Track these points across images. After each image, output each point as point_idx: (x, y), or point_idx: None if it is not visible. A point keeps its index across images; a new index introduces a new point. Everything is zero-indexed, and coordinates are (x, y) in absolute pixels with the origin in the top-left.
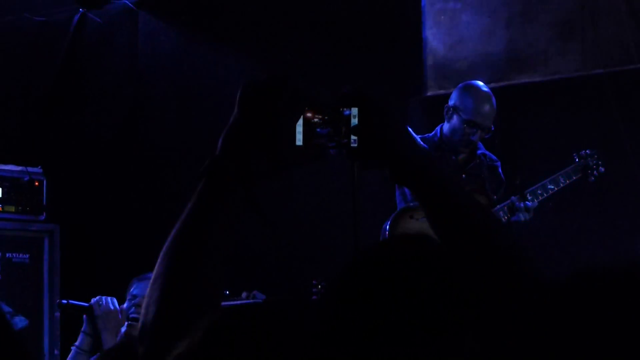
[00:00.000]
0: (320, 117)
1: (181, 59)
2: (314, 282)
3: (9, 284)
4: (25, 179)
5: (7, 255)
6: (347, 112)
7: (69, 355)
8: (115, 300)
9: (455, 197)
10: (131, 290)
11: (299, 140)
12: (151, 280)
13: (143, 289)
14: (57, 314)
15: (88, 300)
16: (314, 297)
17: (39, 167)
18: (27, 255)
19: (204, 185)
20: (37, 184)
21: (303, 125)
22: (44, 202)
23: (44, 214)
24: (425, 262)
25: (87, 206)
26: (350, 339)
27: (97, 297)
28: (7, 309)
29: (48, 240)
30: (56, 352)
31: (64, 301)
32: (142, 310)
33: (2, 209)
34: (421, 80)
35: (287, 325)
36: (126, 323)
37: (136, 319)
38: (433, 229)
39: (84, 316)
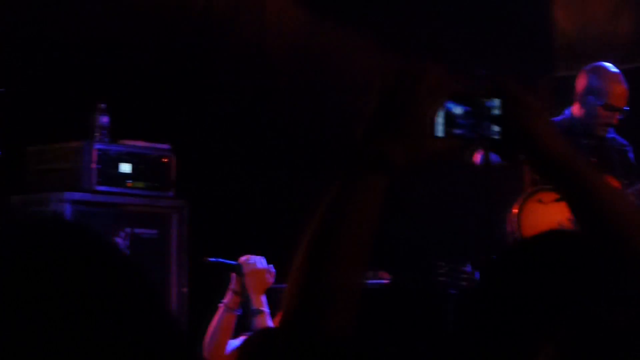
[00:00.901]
0: (461, 107)
1: (308, 39)
2: (439, 264)
3: (138, 259)
4: (154, 155)
5: (136, 231)
6: (490, 103)
7: (217, 313)
8: (263, 260)
9: (601, 192)
10: None
11: (439, 131)
12: (293, 269)
13: None
14: (185, 288)
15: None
16: (440, 278)
17: (168, 143)
18: (156, 231)
19: (342, 175)
20: (165, 160)
21: (444, 116)
22: (173, 179)
23: (173, 190)
24: (579, 258)
25: (216, 182)
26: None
27: (246, 256)
28: None
29: (176, 216)
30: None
31: (212, 259)
32: (285, 300)
33: (131, 184)
34: (550, 60)
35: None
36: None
37: None
38: (577, 223)
39: (232, 274)
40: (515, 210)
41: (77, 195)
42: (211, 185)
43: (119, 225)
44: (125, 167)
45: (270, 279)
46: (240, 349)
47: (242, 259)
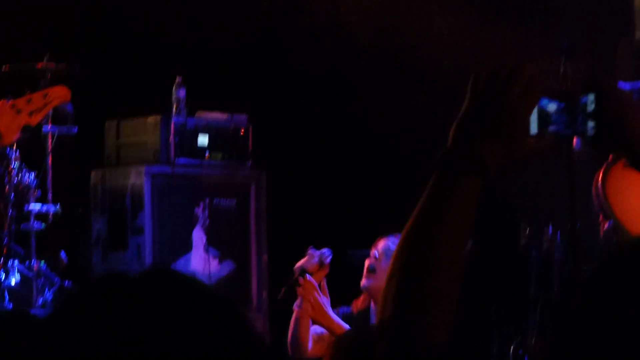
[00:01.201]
0: (555, 104)
1: (384, 8)
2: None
3: (217, 230)
4: (231, 126)
5: (215, 201)
6: (584, 99)
7: (293, 316)
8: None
9: None
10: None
11: (533, 129)
12: (387, 275)
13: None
14: (265, 256)
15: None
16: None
17: (245, 114)
18: (234, 201)
19: (437, 178)
20: (243, 131)
21: (537, 114)
22: (250, 149)
23: (250, 160)
24: None
25: (293, 152)
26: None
27: (308, 260)
28: (215, 253)
29: (254, 186)
30: (264, 294)
31: (282, 293)
32: (379, 307)
33: (209, 156)
34: (629, 22)
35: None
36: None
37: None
38: None
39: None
40: (600, 174)
41: (156, 169)
42: (288, 154)
43: (198, 197)
44: (203, 139)
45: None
46: (332, 348)
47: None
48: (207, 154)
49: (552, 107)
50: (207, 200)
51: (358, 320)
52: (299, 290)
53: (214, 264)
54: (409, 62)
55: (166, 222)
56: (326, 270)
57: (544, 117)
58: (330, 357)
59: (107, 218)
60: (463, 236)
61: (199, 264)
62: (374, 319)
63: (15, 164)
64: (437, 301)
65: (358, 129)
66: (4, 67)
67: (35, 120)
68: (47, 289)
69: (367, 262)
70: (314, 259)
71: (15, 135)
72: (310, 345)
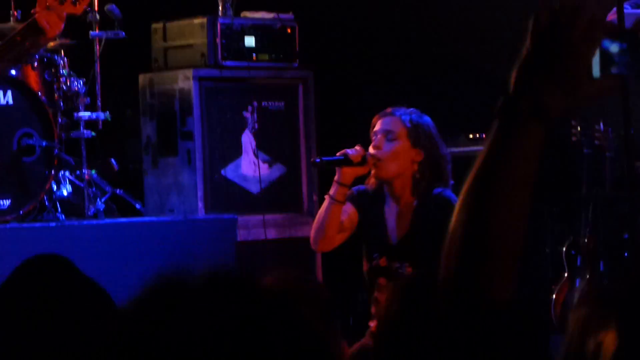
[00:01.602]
0: (617, 45)
1: None
2: (573, 123)
3: (266, 133)
4: (278, 26)
5: (263, 104)
6: None
7: (323, 204)
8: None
9: None
10: (375, 129)
11: (596, 71)
12: (449, 232)
13: (384, 124)
14: (318, 160)
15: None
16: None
17: (291, 13)
18: (282, 103)
19: (498, 126)
20: (289, 30)
21: (600, 55)
22: (297, 49)
23: (297, 60)
24: None
25: (340, 51)
26: None
27: (353, 149)
28: (265, 157)
29: (302, 87)
30: (314, 197)
31: (317, 159)
32: (442, 263)
33: (256, 57)
34: None
35: None
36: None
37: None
38: None
39: (337, 168)
40: None
41: (204, 72)
42: (335, 53)
43: (246, 100)
44: (250, 41)
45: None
46: (394, 290)
47: (349, 151)
48: (254, 56)
49: (614, 47)
50: (255, 104)
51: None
52: (338, 175)
53: (263, 168)
54: None
55: (215, 126)
56: (365, 170)
57: (606, 59)
58: (391, 299)
59: (156, 123)
60: (528, 186)
61: (248, 168)
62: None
63: (63, 71)
64: (503, 257)
65: (405, 25)
66: None
67: (80, 8)
68: (98, 198)
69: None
70: (360, 151)
71: (59, 27)
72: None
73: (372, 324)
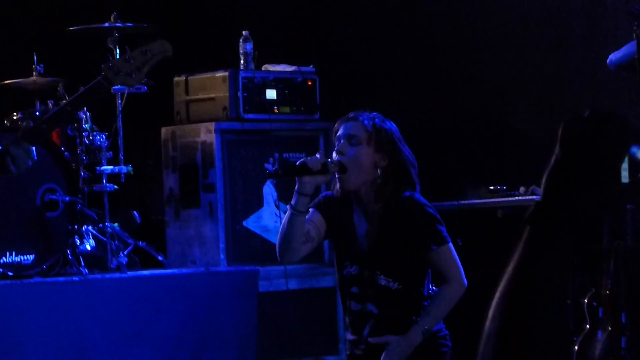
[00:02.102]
0: None
1: None
2: None
3: (287, 184)
4: (299, 79)
5: (285, 155)
6: None
7: (286, 215)
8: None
9: None
10: (338, 133)
11: (625, 177)
12: (484, 338)
13: (346, 129)
14: (273, 169)
15: None
16: None
17: (311, 66)
18: (304, 155)
19: (530, 234)
20: (310, 83)
21: (628, 161)
22: (318, 101)
23: (318, 112)
24: None
25: (361, 103)
26: None
27: (312, 157)
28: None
29: (323, 139)
30: None
31: (272, 169)
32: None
33: (277, 110)
34: None
35: None
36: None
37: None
38: None
39: (296, 178)
40: None
41: (225, 125)
42: (355, 106)
43: (267, 152)
44: (271, 94)
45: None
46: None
47: (305, 159)
48: (275, 108)
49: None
50: (277, 155)
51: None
52: (297, 186)
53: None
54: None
55: (237, 178)
56: (327, 178)
57: (634, 165)
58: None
59: (178, 175)
60: (559, 292)
61: (270, 219)
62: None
63: (86, 126)
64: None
65: (424, 79)
66: (69, 29)
67: (136, 80)
68: (121, 251)
69: (333, 156)
70: (319, 159)
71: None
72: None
73: (347, 335)
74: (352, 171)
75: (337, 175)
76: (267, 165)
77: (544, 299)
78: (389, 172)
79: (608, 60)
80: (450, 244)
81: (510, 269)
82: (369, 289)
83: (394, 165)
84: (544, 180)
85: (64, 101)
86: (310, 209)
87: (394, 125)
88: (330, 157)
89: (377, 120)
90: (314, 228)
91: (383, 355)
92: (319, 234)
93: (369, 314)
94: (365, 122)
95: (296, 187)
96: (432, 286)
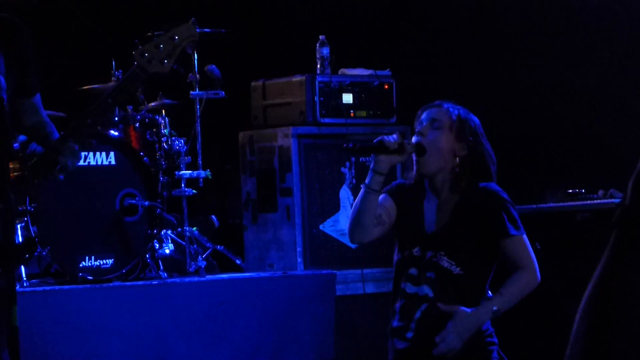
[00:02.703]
0: None
1: None
2: None
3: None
4: (375, 82)
5: (361, 159)
6: None
7: (359, 194)
8: (396, 134)
9: None
10: (421, 117)
11: None
12: (571, 341)
13: (430, 114)
14: (351, 144)
15: None
16: None
17: (388, 69)
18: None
19: (616, 237)
20: (386, 87)
21: None
22: (394, 105)
23: (395, 116)
24: None
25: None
26: None
27: (390, 136)
28: None
29: None
30: None
31: (351, 144)
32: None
33: (354, 114)
34: None
35: None
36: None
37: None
38: None
39: (372, 155)
40: None
41: (302, 129)
42: None
43: (344, 156)
44: (348, 98)
45: (403, 148)
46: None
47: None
48: (352, 112)
49: None
50: (353, 159)
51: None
52: (373, 164)
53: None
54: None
55: (313, 182)
56: (402, 159)
57: None
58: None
59: (256, 179)
60: None
61: (346, 223)
62: (429, 194)
63: (164, 131)
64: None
65: (502, 82)
66: (147, 34)
67: (168, 67)
68: (200, 255)
69: (414, 140)
70: (396, 138)
71: None
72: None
73: (394, 322)
74: (430, 154)
75: (414, 158)
76: (343, 169)
77: (633, 300)
78: (467, 162)
79: None
80: (526, 236)
81: (598, 271)
82: (429, 270)
83: (473, 156)
84: (630, 184)
85: (142, 106)
86: (383, 195)
87: (478, 120)
88: (409, 139)
89: (462, 111)
90: (386, 213)
91: (449, 324)
92: (390, 219)
93: (424, 298)
94: (450, 109)
95: (371, 166)
96: (489, 292)
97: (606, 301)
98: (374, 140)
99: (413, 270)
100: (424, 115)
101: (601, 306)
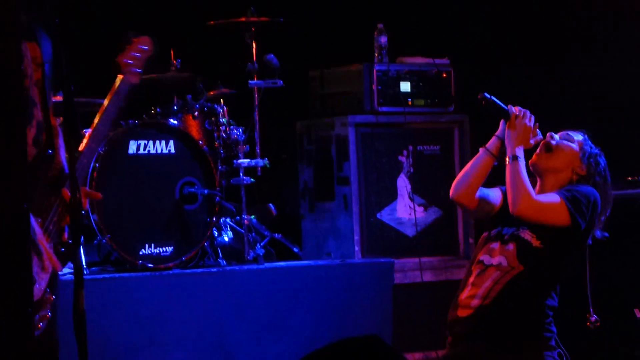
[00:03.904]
0: None
1: None
2: None
3: (422, 176)
4: (433, 71)
5: (419, 148)
6: None
7: (476, 156)
8: (533, 119)
9: None
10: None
11: None
12: None
13: (567, 132)
14: (487, 95)
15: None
16: None
17: (446, 58)
18: (438, 147)
19: None
20: (444, 75)
21: None
22: (453, 93)
23: (453, 105)
24: None
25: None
26: None
27: (520, 108)
28: (420, 200)
29: (458, 131)
30: (470, 240)
31: (488, 95)
32: None
33: (412, 102)
34: None
35: None
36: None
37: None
38: None
39: (501, 120)
40: None
41: (360, 118)
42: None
43: (401, 145)
44: (406, 86)
45: (531, 140)
46: None
47: (515, 108)
48: (409, 101)
49: None
50: (411, 148)
51: None
52: (500, 130)
53: (419, 211)
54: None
55: (371, 171)
56: (524, 141)
57: None
58: None
59: (313, 168)
60: None
61: (404, 212)
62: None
63: (223, 120)
64: None
65: (560, 65)
66: (206, 23)
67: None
68: (258, 243)
69: (542, 142)
70: (521, 111)
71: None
72: (477, 195)
73: (464, 294)
74: (554, 155)
75: (538, 151)
76: (400, 158)
77: None
78: (582, 181)
79: None
80: (567, 202)
81: None
82: (510, 242)
83: (588, 179)
84: None
85: (200, 96)
86: (498, 188)
87: (606, 163)
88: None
89: (594, 148)
90: (495, 198)
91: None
92: (494, 205)
93: (498, 266)
94: (585, 137)
95: (497, 132)
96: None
97: None
98: (507, 107)
99: (495, 245)
100: (559, 133)
101: None
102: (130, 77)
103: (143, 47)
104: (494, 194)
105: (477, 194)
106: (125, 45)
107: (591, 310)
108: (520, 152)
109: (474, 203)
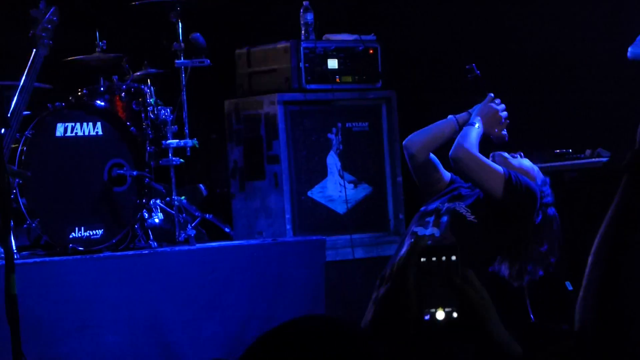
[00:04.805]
0: None
1: None
2: None
3: (351, 153)
4: (360, 47)
5: (347, 125)
6: None
7: (444, 120)
8: (506, 115)
9: None
10: None
11: None
12: (584, 284)
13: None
14: (400, 177)
15: None
16: None
17: (373, 34)
18: (366, 124)
19: (627, 181)
20: (371, 51)
21: None
22: (380, 70)
23: (380, 81)
24: None
25: (422, 70)
26: None
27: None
28: (350, 177)
29: (385, 107)
30: (401, 216)
31: (477, 70)
32: (577, 316)
33: (339, 80)
34: None
35: None
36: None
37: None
38: None
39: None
40: None
41: (288, 96)
42: (417, 73)
43: (330, 121)
44: (333, 63)
45: (495, 129)
46: None
47: (492, 95)
48: (337, 78)
49: None
50: (340, 125)
51: None
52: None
53: (349, 188)
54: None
55: (300, 149)
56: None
57: None
58: None
59: (242, 147)
60: None
61: (334, 189)
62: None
63: (150, 100)
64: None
65: (487, 42)
66: (131, 3)
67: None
68: (189, 224)
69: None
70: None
71: None
72: (430, 156)
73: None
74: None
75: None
76: (329, 135)
77: None
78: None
79: (629, 54)
80: (506, 174)
81: (608, 216)
82: (445, 215)
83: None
84: (638, 129)
85: (127, 76)
86: (451, 174)
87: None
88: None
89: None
90: (445, 175)
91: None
92: (441, 179)
93: (431, 237)
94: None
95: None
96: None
97: (619, 243)
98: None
99: (430, 219)
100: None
101: (614, 249)
102: (44, 50)
103: (53, 17)
104: (446, 173)
105: (431, 158)
106: (37, 19)
107: None
108: (480, 125)
109: (422, 156)
